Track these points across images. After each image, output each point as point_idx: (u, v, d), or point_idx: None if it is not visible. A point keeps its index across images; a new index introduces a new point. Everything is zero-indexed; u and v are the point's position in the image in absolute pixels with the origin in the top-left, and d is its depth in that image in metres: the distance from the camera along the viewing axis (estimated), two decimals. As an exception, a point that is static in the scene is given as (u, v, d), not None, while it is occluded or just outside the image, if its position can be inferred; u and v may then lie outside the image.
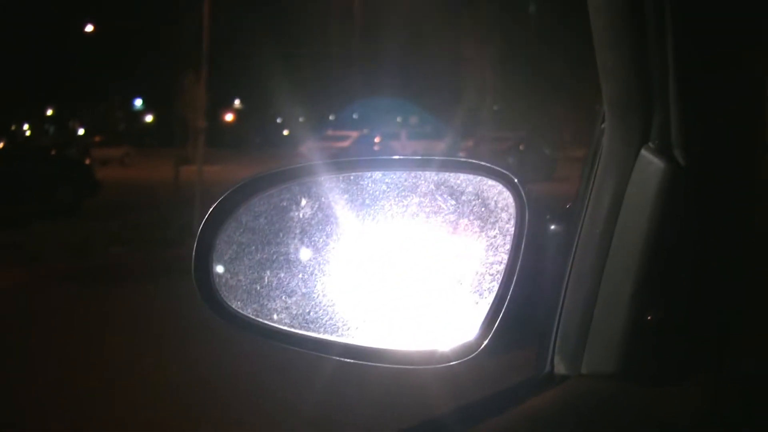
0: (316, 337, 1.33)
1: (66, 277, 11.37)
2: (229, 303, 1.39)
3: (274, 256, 1.37)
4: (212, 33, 18.02)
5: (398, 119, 55.37)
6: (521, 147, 33.71)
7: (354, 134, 41.00)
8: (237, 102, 77.56)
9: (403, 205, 1.30)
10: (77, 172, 21.43)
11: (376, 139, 40.21)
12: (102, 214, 18.27)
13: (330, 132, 44.54)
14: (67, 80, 65.12)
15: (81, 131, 73.65)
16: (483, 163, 1.28)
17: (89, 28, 66.95)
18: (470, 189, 1.28)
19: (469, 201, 1.27)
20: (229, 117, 72.42)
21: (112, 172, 34.76)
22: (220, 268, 1.40)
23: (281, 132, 72.05)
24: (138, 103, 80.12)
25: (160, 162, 29.61)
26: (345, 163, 1.41)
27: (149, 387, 6.40)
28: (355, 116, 54.16)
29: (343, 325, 1.32)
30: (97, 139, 56.96)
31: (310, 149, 37.27)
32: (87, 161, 24.11)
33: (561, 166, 29.95)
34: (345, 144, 37.65)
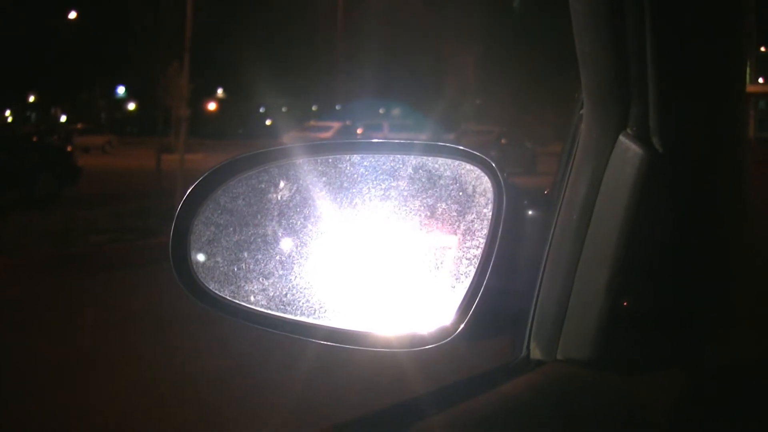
0: (292, 320, 1.33)
1: (45, 265, 11.29)
2: (206, 284, 1.38)
3: (252, 238, 1.37)
4: (195, 21, 17.97)
5: (381, 111, 55.40)
6: (503, 141, 33.75)
7: (336, 125, 41.04)
8: (220, 91, 77.29)
9: (382, 189, 1.30)
10: (59, 160, 21.29)
11: (359, 131, 40.28)
12: (83, 203, 18.13)
13: (312, 123, 44.60)
14: (49, 67, 64.70)
15: (63, 118, 73.34)
16: (461, 147, 1.28)
17: (72, 14, 66.63)
18: (448, 173, 1.28)
19: (447, 185, 1.27)
20: (211, 106, 72.11)
21: (94, 159, 34.65)
22: (197, 250, 1.39)
23: (264, 122, 71.83)
24: (120, 91, 79.72)
25: (142, 150, 29.54)
26: (323, 145, 1.41)
27: (126, 377, 6.36)
28: (338, 107, 54.06)
29: (320, 307, 1.32)
30: (79, 126, 56.77)
31: (293, 139, 37.24)
32: (69, 148, 23.95)
33: (542, 160, 29.99)
34: (327, 135, 37.60)
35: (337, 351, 1.32)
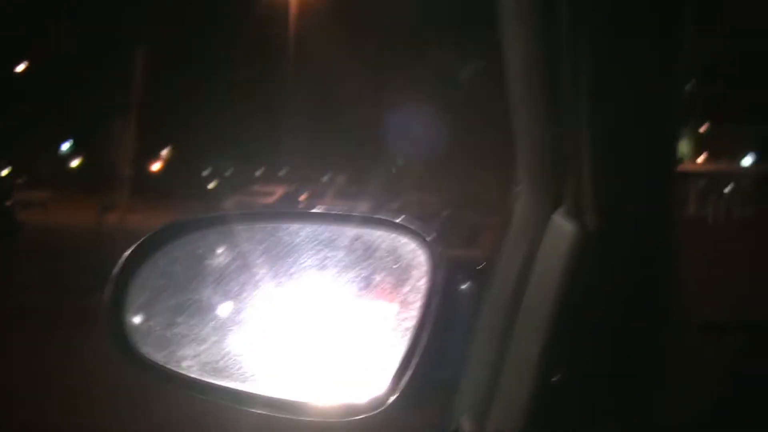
0: (225, 387, 1.32)
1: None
2: (139, 348, 1.38)
3: (187, 303, 1.37)
4: (144, 80, 17.95)
5: (325, 179, 55.45)
6: (445, 213, 33.86)
7: (280, 190, 40.90)
8: (166, 150, 76.97)
9: (318, 259, 1.31)
10: (-2, 216, 21.05)
11: (302, 197, 40.17)
12: (21, 258, 17.88)
13: (257, 187, 44.42)
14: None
15: (5, 171, 72.53)
16: (397, 221, 1.30)
17: (20, 67, 66.20)
18: (385, 245, 1.29)
19: (383, 257, 1.29)
20: (156, 166, 71.74)
21: (34, 215, 34.15)
22: (132, 312, 1.39)
23: (208, 184, 71.58)
24: (65, 146, 79.04)
25: (85, 207, 29.16)
26: (262, 214, 1.43)
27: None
28: (281, 174, 54.02)
29: (254, 375, 1.32)
30: (19, 180, 56.10)
31: (236, 203, 37.03)
32: (9, 203, 23.67)
33: (484, 232, 30.12)
34: (271, 200, 37.48)
35: (273, 419, 1.31)
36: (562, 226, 1.16)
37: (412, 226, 1.28)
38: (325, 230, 1.33)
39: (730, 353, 1.71)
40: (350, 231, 1.32)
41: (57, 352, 9.37)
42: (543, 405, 1.19)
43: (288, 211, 1.43)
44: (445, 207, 34.69)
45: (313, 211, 1.42)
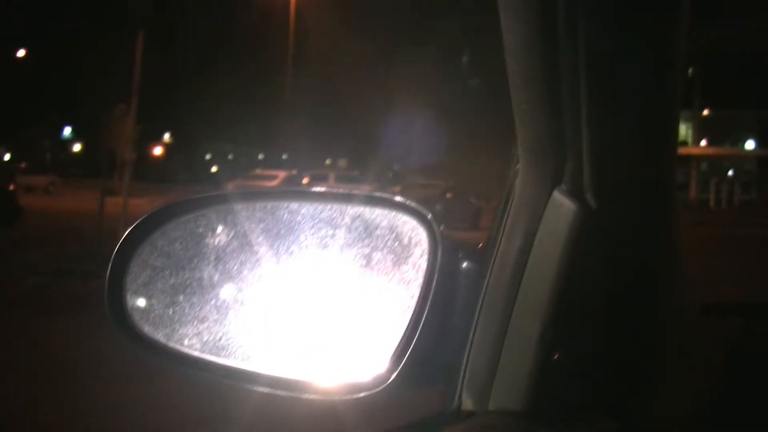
0: (226, 365, 1.32)
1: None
2: (140, 327, 1.38)
3: (188, 282, 1.37)
4: (144, 64, 17.91)
5: (327, 162, 55.46)
6: (449, 195, 33.90)
7: (282, 174, 41.01)
8: (167, 136, 76.94)
9: (318, 237, 1.31)
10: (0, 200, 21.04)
11: (304, 180, 40.20)
12: (22, 243, 17.90)
13: (258, 171, 44.49)
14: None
15: (7, 157, 72.45)
16: (397, 199, 1.30)
17: (20, 53, 66.12)
18: (385, 224, 1.29)
19: (383, 235, 1.29)
20: (157, 151, 71.72)
21: (36, 200, 34.18)
22: (133, 292, 1.39)
23: (209, 169, 71.58)
24: (67, 131, 79.04)
25: (86, 192, 29.18)
26: (262, 193, 1.42)
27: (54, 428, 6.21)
28: (284, 157, 54.04)
29: (254, 353, 1.32)
30: (22, 165, 56.07)
31: (237, 187, 37.10)
32: (11, 187, 23.68)
33: (487, 215, 30.13)
34: (273, 183, 37.54)
35: (276, 398, 1.31)
36: (563, 204, 1.15)
37: (412, 204, 1.28)
38: (325, 209, 1.33)
39: (733, 335, 1.71)
40: (350, 209, 1.32)
41: (59, 334, 9.40)
42: (544, 383, 1.19)
43: (287, 190, 1.43)
44: (449, 190, 34.78)
45: (313, 190, 1.42)
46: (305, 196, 1.41)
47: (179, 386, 5.62)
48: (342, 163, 53.43)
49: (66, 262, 15.01)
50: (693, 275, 1.34)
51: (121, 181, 18.78)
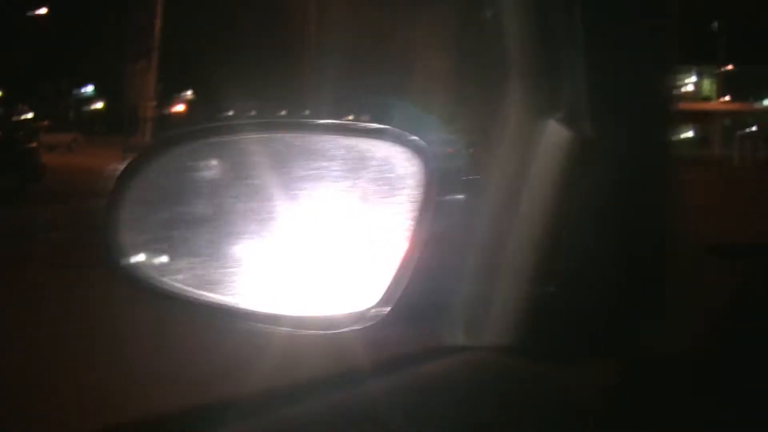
0: (217, 300, 1.32)
1: (3, 262, 11.18)
2: (134, 262, 1.37)
3: (181, 216, 1.36)
4: (165, 20, 17.93)
5: (350, 117, 55.55)
6: (471, 150, 33.94)
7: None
8: (189, 92, 77.11)
9: (313, 168, 1.30)
10: (23, 157, 21.14)
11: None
12: (46, 200, 18.02)
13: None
14: (15, 63, 64.19)
15: (30, 115, 72.79)
16: (393, 128, 1.28)
17: (42, 11, 66.25)
18: (380, 154, 1.27)
19: (378, 166, 1.27)
20: (179, 107, 71.92)
21: (59, 158, 34.34)
22: (126, 228, 1.38)
23: (231, 125, 71.54)
24: (89, 89, 79.23)
25: (109, 149, 29.32)
26: (254, 124, 1.41)
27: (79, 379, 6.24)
28: (306, 112, 54.11)
29: (245, 288, 1.31)
30: (45, 123, 56.32)
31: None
32: (34, 145, 23.80)
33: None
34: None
35: (275, 336, 1.31)
36: (559, 133, 1.13)
37: (408, 134, 1.26)
38: (320, 140, 1.32)
39: (739, 276, 1.69)
40: (345, 141, 1.30)
41: (83, 290, 9.46)
42: (539, 317, 1.18)
43: (281, 121, 1.41)
44: (471, 145, 34.76)
45: (307, 120, 1.41)
46: (299, 126, 1.40)
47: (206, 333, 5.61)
48: (365, 119, 53.45)
49: (87, 217, 15.08)
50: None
51: (143, 138, 18.86)
